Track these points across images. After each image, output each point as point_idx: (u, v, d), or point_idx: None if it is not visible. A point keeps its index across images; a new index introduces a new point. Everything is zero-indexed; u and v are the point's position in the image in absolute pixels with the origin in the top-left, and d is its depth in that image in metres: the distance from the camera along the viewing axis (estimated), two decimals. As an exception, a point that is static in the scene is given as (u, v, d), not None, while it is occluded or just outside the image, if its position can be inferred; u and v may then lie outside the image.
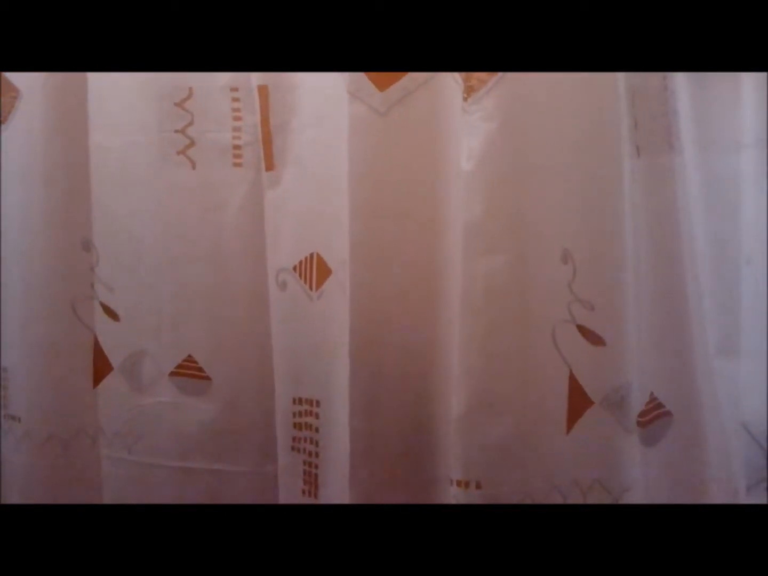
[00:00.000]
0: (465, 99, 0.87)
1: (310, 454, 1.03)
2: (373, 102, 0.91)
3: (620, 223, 0.90)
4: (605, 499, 0.90)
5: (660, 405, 0.96)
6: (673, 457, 0.97)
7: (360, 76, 0.91)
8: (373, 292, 0.94)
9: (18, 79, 1.11)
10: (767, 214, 0.92)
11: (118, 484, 1.14)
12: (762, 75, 0.92)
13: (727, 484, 0.97)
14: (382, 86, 0.91)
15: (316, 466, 1.02)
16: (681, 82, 0.95)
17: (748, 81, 0.92)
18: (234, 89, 1.06)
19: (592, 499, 0.90)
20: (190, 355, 1.11)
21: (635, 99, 0.92)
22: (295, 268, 1.03)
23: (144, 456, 1.12)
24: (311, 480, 1.03)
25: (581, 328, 0.90)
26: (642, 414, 0.94)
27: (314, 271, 1.01)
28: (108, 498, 1.14)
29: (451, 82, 0.90)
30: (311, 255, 1.02)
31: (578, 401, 0.90)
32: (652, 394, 0.96)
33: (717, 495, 0.96)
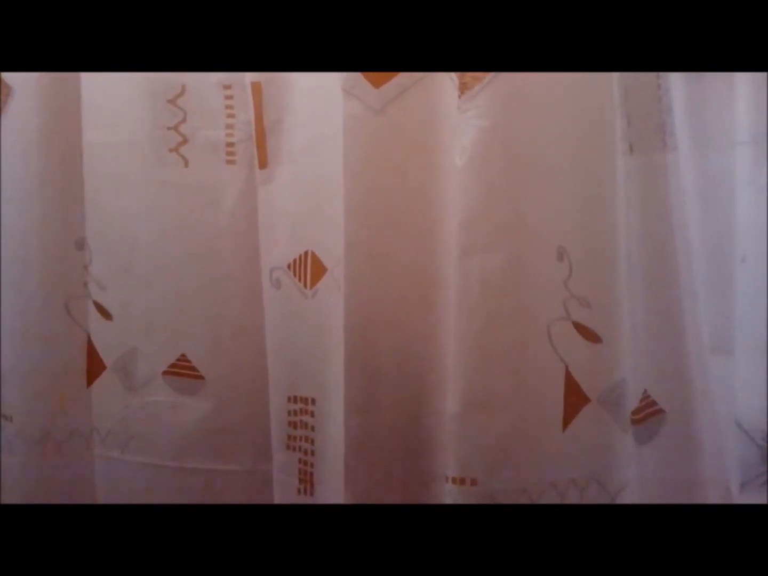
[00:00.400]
0: (459, 96, 0.86)
1: (305, 452, 1.02)
2: (368, 99, 0.91)
3: (615, 220, 0.90)
4: (602, 497, 0.90)
5: (653, 403, 0.96)
6: (666, 455, 0.97)
7: (355, 74, 0.90)
8: (368, 290, 0.93)
9: (9, 76, 1.10)
10: (766, 211, 0.92)
11: (111, 483, 1.14)
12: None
13: (721, 482, 0.98)
14: (377, 83, 0.91)
15: (312, 465, 1.02)
16: (675, 79, 0.95)
17: (743, 78, 0.92)
18: (227, 86, 1.05)
19: (589, 496, 0.90)
20: (183, 354, 1.10)
21: (628, 96, 0.92)
22: (289, 267, 1.02)
23: (138, 455, 1.12)
24: (307, 478, 1.02)
25: (577, 326, 0.90)
26: (635, 411, 0.94)
27: (309, 269, 1.01)
28: (102, 498, 1.14)
29: (446, 79, 0.89)
30: (305, 253, 1.01)
31: (574, 399, 0.90)
32: (645, 391, 0.96)
33: (711, 492, 0.97)
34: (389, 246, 0.94)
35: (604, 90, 0.89)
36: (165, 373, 1.11)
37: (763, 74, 0.91)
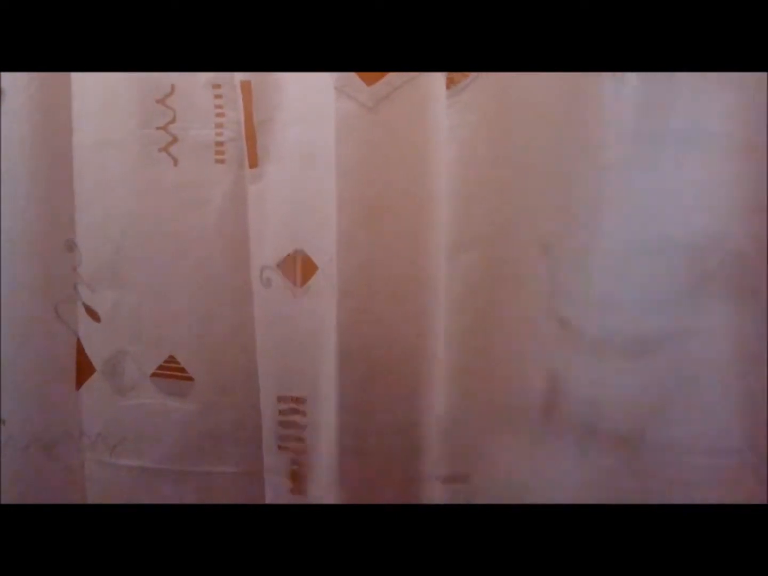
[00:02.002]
0: (447, 92, 0.87)
1: (297, 452, 1.02)
2: (360, 97, 0.91)
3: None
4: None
5: None
6: None
7: (347, 72, 0.90)
8: (360, 288, 0.93)
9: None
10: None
11: (101, 486, 1.13)
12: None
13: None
14: (369, 81, 0.91)
15: (304, 465, 1.02)
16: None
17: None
18: (216, 86, 1.05)
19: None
20: (171, 356, 1.10)
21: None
22: (279, 265, 1.02)
23: (127, 458, 1.11)
24: (299, 478, 1.02)
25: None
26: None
27: (299, 268, 1.01)
28: (92, 501, 1.13)
29: (438, 75, 0.89)
30: (296, 252, 1.01)
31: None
32: None
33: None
34: (382, 244, 0.93)
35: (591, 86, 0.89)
36: (154, 374, 1.10)
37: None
